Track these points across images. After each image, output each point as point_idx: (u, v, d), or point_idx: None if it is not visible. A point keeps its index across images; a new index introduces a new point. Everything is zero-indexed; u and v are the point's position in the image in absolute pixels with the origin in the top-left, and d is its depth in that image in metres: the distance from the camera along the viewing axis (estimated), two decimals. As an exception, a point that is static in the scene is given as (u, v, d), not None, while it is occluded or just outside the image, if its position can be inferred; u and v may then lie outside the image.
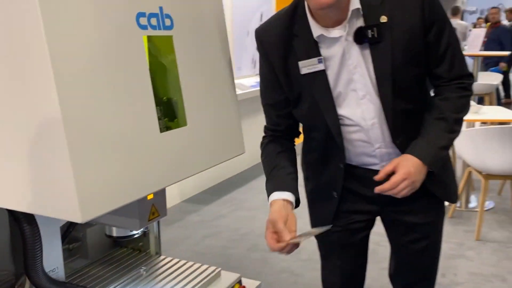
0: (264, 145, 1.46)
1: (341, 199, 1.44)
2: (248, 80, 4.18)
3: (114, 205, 0.95)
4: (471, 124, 3.60)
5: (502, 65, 7.19)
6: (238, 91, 3.82)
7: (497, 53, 6.99)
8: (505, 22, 10.09)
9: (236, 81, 4.65)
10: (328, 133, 1.34)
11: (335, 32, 1.25)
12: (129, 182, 0.99)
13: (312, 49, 1.27)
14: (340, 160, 1.38)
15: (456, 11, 7.02)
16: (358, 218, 1.47)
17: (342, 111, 1.31)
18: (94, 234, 1.42)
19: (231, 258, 3.08)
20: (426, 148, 1.25)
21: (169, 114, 1.12)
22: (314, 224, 1.55)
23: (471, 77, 1.33)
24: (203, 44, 1.24)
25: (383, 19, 1.21)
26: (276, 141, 1.45)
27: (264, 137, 1.49)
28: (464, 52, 4.31)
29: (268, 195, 1.33)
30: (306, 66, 1.27)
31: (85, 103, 0.92)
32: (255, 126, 3.81)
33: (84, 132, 0.90)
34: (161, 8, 1.10)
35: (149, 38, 1.06)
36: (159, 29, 1.09)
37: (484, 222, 3.41)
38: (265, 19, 4.88)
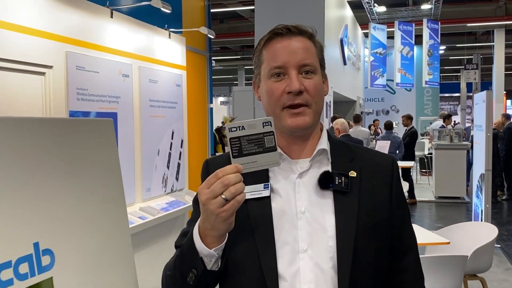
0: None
1: None
2: (158, 202, 3.85)
3: None
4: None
5: None
6: (149, 217, 3.48)
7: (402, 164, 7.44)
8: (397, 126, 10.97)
9: (144, 204, 4.13)
10: (260, 281, 1.00)
11: (299, 162, 1.07)
12: None
13: (262, 175, 1.05)
14: None
15: (358, 119, 7.40)
16: None
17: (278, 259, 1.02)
18: None
19: None
20: None
21: None
22: None
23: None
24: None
25: (352, 173, 1.05)
26: None
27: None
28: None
29: (191, 241, 0.97)
30: (250, 191, 1.04)
31: None
32: (165, 254, 3.43)
33: None
34: (36, 245, 0.82)
35: (16, 295, 0.77)
36: (33, 276, 0.80)
37: None
38: (176, 136, 4.57)
